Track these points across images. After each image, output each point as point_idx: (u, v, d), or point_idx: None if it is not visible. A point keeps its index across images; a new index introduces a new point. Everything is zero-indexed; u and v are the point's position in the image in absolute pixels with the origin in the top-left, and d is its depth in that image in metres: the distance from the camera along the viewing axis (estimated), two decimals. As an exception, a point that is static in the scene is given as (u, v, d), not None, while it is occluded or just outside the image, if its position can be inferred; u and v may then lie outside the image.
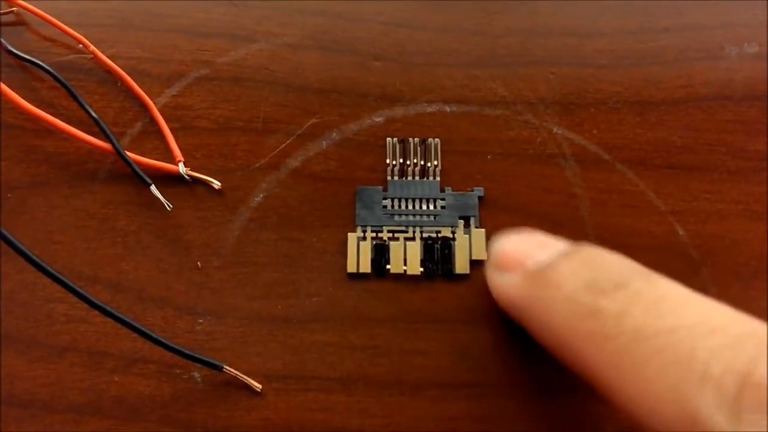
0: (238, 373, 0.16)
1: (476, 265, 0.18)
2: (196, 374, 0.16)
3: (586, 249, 0.14)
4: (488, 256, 0.16)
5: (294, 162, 0.19)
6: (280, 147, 0.19)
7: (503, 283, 0.15)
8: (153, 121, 0.19)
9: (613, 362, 0.12)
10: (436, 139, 0.19)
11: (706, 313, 0.12)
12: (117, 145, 0.18)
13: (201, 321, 0.17)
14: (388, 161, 0.18)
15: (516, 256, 0.15)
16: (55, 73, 0.19)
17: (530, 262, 0.14)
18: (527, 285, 0.14)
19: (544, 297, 0.14)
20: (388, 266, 0.18)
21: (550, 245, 0.15)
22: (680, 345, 0.11)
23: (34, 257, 0.14)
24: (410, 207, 0.18)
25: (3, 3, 0.20)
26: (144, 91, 0.19)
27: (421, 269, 0.18)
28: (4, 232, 0.14)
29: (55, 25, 0.19)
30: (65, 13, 0.20)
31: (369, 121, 0.19)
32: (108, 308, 0.15)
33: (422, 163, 0.19)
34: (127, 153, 0.18)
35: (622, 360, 0.12)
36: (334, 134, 0.19)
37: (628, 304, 0.12)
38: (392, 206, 0.18)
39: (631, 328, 0.12)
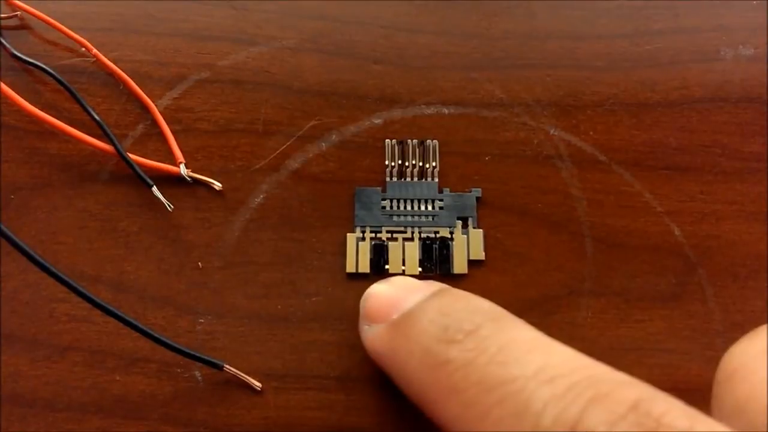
0: (238, 372, 0.16)
1: (474, 265, 0.18)
2: (197, 373, 0.17)
3: (446, 293, 0.14)
4: (360, 309, 0.16)
5: (294, 163, 0.19)
6: (280, 149, 0.19)
7: (371, 336, 0.15)
8: (154, 123, 0.19)
9: (460, 415, 0.12)
10: (434, 141, 0.19)
11: (549, 359, 0.12)
12: (119, 147, 0.18)
13: (201, 320, 0.17)
14: (386, 162, 0.19)
15: (383, 306, 0.15)
16: (58, 76, 0.19)
17: (395, 313, 0.14)
18: (390, 337, 0.14)
19: (404, 349, 0.14)
20: (386, 266, 0.18)
21: (416, 290, 0.15)
22: (518, 396, 0.11)
23: (38, 257, 0.14)
24: (409, 208, 0.18)
25: (7, 7, 0.20)
26: (146, 94, 0.19)
27: (420, 269, 0.18)
28: (8, 232, 0.14)
29: (58, 29, 0.19)
30: (68, 17, 0.20)
31: (368, 123, 0.19)
32: (110, 308, 0.15)
33: (421, 164, 0.19)
34: (129, 155, 0.18)
35: (468, 413, 0.12)
36: (334, 136, 0.19)
37: (476, 353, 0.12)
38: (391, 207, 0.18)
39: (477, 379, 0.12)
